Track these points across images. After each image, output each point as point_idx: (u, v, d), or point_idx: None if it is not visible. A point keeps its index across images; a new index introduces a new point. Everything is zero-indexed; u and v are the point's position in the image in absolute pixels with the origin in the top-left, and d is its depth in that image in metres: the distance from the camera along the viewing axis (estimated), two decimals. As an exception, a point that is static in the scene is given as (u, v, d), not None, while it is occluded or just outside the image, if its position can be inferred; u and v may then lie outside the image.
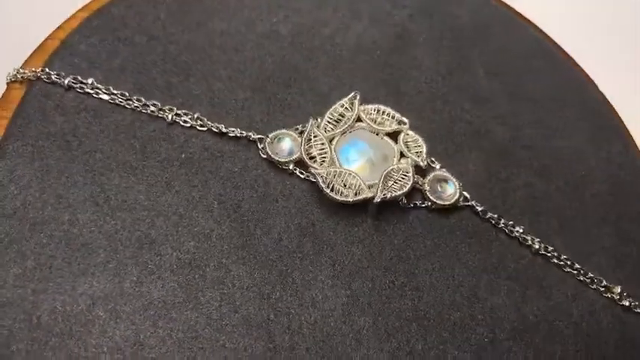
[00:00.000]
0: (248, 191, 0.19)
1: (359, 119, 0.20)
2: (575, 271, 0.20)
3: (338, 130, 0.20)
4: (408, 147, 0.20)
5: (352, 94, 0.20)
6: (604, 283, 0.20)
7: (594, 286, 0.20)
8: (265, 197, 0.19)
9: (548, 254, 0.20)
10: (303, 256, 0.18)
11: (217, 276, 0.17)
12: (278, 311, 0.17)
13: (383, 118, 0.20)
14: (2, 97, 0.19)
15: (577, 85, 0.24)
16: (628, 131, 0.23)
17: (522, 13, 0.26)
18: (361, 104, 0.20)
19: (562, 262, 0.20)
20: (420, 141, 0.20)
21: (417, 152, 0.20)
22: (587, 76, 0.24)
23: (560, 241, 0.20)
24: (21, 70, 0.19)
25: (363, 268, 0.18)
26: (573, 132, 0.22)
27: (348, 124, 0.20)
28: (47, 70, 0.19)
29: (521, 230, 0.20)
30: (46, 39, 0.21)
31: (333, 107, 0.20)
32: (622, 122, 0.23)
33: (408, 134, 0.20)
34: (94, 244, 0.17)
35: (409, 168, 0.19)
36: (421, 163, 0.20)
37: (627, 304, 0.20)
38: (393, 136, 0.20)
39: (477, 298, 0.19)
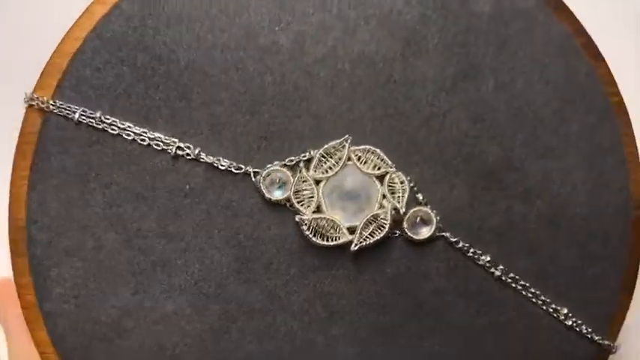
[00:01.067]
0: (245, 219, 0.22)
1: (348, 159, 0.21)
2: (531, 295, 0.23)
3: (326, 174, 0.21)
4: (392, 190, 0.21)
5: (344, 137, 0.21)
6: (552, 304, 0.23)
7: (545, 307, 0.23)
8: (259, 225, 0.22)
9: (509, 280, 0.23)
10: (289, 277, 0.22)
11: (219, 293, 0.22)
12: (263, 321, 0.22)
13: (371, 160, 0.21)
14: (25, 120, 0.22)
15: (593, 97, 0.22)
16: (631, 152, 0.23)
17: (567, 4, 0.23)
18: (352, 144, 0.21)
19: (520, 287, 0.23)
20: (405, 185, 0.21)
21: (398, 196, 0.21)
22: (611, 84, 0.23)
23: (524, 264, 0.23)
24: (34, 96, 0.21)
25: (341, 288, 0.22)
26: (568, 152, 0.23)
27: (337, 168, 0.21)
28: (58, 103, 0.21)
29: (487, 259, 0.22)
30: (52, 58, 0.21)
31: (325, 148, 0.21)
32: (627, 142, 0.23)
33: (394, 176, 0.21)
34: (117, 267, 0.22)
35: (388, 215, 0.21)
36: (400, 210, 0.21)
37: (570, 323, 0.23)
38: (381, 178, 0.22)
39: (436, 312, 0.22)
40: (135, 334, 0.22)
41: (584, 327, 0.23)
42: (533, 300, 0.23)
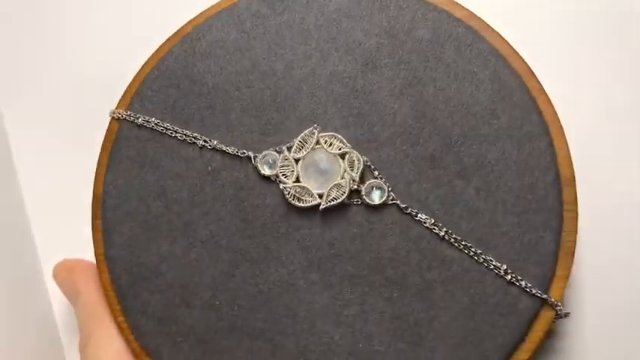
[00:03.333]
0: (248, 191, 0.30)
1: (318, 142, 0.29)
2: (473, 253, 0.28)
3: (302, 154, 0.29)
4: (351, 166, 0.29)
5: (313, 126, 0.29)
6: (493, 261, 0.28)
7: (485, 264, 0.28)
8: (258, 195, 0.30)
9: (452, 240, 0.29)
10: (279, 234, 0.30)
11: (228, 245, 0.30)
12: (259, 266, 0.30)
13: (335, 143, 0.29)
14: (109, 126, 0.32)
15: (516, 94, 0.29)
16: (560, 139, 0.29)
17: (489, 22, 0.30)
18: (320, 132, 0.29)
19: (462, 246, 0.28)
20: (360, 161, 0.29)
21: (356, 170, 0.29)
22: (532, 80, 0.29)
23: (466, 227, 0.29)
24: (115, 110, 0.32)
25: (317, 243, 0.29)
26: (499, 138, 0.29)
27: (309, 148, 0.29)
28: (129, 112, 0.32)
29: (432, 221, 0.29)
30: (129, 85, 0.32)
31: (301, 135, 0.30)
32: (556, 128, 0.29)
33: (351, 155, 0.29)
34: (159, 225, 0.31)
35: (347, 183, 0.29)
36: (356, 179, 0.29)
37: (509, 277, 0.28)
38: (342, 156, 0.29)
39: (392, 265, 0.29)
40: (168, 275, 0.30)
41: (523, 282, 0.28)
42: (475, 258, 0.28)
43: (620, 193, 0.34)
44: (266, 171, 0.30)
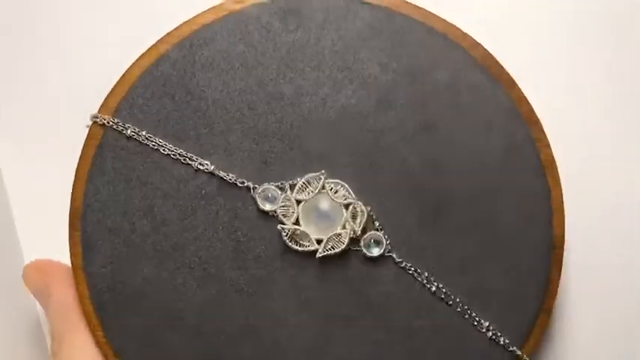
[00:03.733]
0: (243, 221, 0.29)
1: (323, 187, 0.28)
2: (460, 308, 0.29)
3: (304, 197, 0.28)
4: (354, 215, 0.28)
5: (321, 172, 0.28)
6: (477, 317, 0.29)
7: (470, 319, 0.29)
8: (253, 227, 0.29)
9: (442, 295, 0.29)
10: (272, 269, 0.29)
11: (218, 274, 0.29)
12: (250, 300, 0.29)
13: (340, 191, 0.28)
14: (89, 132, 0.29)
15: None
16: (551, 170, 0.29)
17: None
18: (328, 177, 0.28)
19: (451, 301, 0.29)
20: (364, 215, 0.28)
21: (358, 223, 0.28)
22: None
23: (457, 281, 0.29)
24: (98, 115, 0.29)
25: (310, 284, 0.29)
26: (501, 186, 0.29)
27: (314, 194, 0.28)
28: (116, 120, 0.29)
29: (425, 275, 0.29)
30: (115, 87, 0.29)
31: (306, 176, 0.28)
32: (547, 159, 0.29)
33: (356, 206, 0.28)
34: (144, 246, 0.29)
35: (346, 235, 0.28)
36: (356, 232, 0.28)
37: (490, 334, 0.29)
38: (346, 206, 0.28)
39: (382, 311, 0.29)
40: (152, 297, 0.29)
41: (502, 338, 0.29)
42: (461, 312, 0.29)
43: (614, 194, 0.35)
44: (265, 206, 0.28)
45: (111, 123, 0.29)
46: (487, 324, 0.29)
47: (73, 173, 0.29)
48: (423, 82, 0.28)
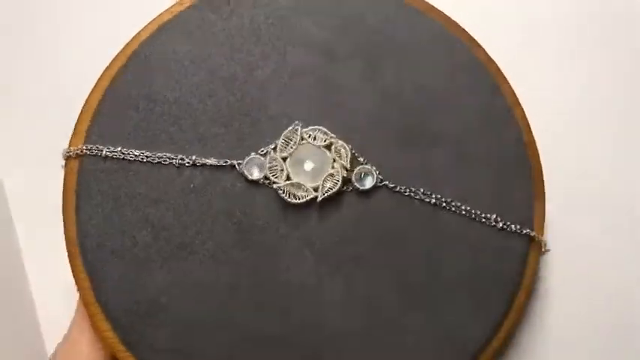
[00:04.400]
0: (237, 199, 0.29)
1: (302, 138, 0.30)
2: (464, 211, 0.30)
3: (288, 152, 0.29)
4: (338, 154, 0.30)
5: (295, 122, 0.29)
6: (482, 214, 0.30)
7: (477, 219, 0.30)
8: (249, 202, 0.29)
9: (443, 204, 0.30)
10: (279, 236, 0.29)
11: (229, 259, 0.29)
12: (266, 272, 0.29)
13: (319, 136, 0.30)
14: (66, 167, 0.30)
15: (471, 65, 0.31)
16: (516, 105, 0.31)
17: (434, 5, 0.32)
18: (303, 127, 0.30)
19: (453, 207, 0.30)
20: (347, 148, 0.29)
21: (344, 157, 0.29)
22: (482, 53, 0.32)
23: (451, 190, 0.30)
24: (70, 148, 0.29)
25: (318, 235, 0.29)
26: (464, 110, 0.31)
27: (295, 146, 0.29)
28: (89, 146, 0.29)
29: (421, 191, 0.30)
30: (79, 120, 0.30)
31: (284, 133, 0.29)
32: (509, 93, 0.31)
33: (337, 144, 0.30)
34: (150, 256, 0.29)
35: (339, 171, 0.29)
36: (347, 166, 0.29)
37: (500, 225, 0.30)
38: (328, 147, 0.30)
39: (394, 238, 0.30)
40: (171, 306, 0.29)
41: (512, 226, 0.30)
42: (466, 215, 0.30)
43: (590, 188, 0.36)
44: (254, 175, 0.29)
45: (85, 151, 0.29)
46: (494, 216, 0.30)
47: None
48: (358, 31, 0.31)
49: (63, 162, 0.30)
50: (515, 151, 0.31)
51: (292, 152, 0.29)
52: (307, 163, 0.29)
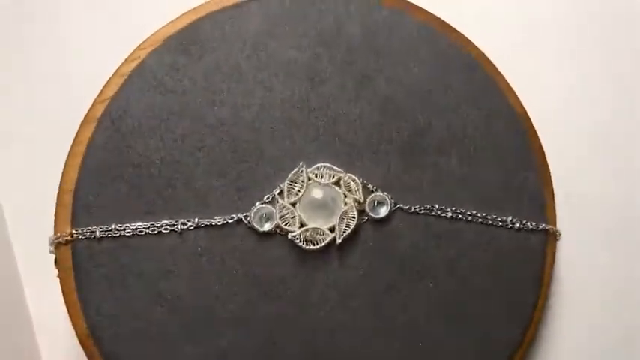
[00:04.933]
0: (251, 254, 0.28)
1: (309, 179, 0.28)
2: (480, 219, 0.30)
3: (297, 197, 0.28)
4: (348, 187, 0.28)
5: (300, 165, 0.27)
6: (498, 218, 0.30)
7: (493, 223, 0.30)
8: (263, 255, 0.28)
9: (459, 216, 0.29)
10: (301, 282, 0.28)
11: (255, 318, 0.28)
12: (296, 322, 0.28)
13: (325, 173, 0.28)
14: (58, 256, 0.27)
15: (460, 59, 0.30)
16: (510, 90, 0.30)
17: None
18: (307, 166, 0.28)
19: (468, 216, 0.29)
20: (356, 181, 0.28)
21: (355, 191, 0.28)
22: (471, 46, 0.30)
23: (462, 197, 0.30)
24: (57, 235, 0.27)
25: (342, 274, 0.28)
26: (459, 105, 0.30)
27: (304, 189, 0.28)
28: (78, 230, 0.27)
29: (437, 207, 0.29)
30: (58, 201, 0.27)
31: (288, 177, 0.27)
32: (501, 80, 0.30)
33: (345, 178, 0.28)
34: (170, 332, 0.27)
35: (353, 208, 0.28)
36: (360, 199, 0.28)
37: (518, 226, 0.30)
38: (337, 183, 0.28)
39: (418, 260, 0.29)
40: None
41: (529, 224, 0.30)
42: (483, 222, 0.29)
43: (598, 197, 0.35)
44: (265, 227, 0.27)
45: (75, 235, 0.26)
46: (510, 218, 0.29)
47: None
48: (338, 44, 0.29)
49: (51, 249, 0.27)
50: (517, 144, 0.30)
51: (301, 197, 0.27)
52: (318, 205, 0.27)
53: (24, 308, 0.33)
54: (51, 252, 0.27)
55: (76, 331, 0.27)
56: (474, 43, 0.30)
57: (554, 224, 0.30)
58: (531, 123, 0.30)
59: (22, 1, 0.34)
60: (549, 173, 0.31)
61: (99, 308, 0.27)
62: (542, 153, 0.30)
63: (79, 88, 0.29)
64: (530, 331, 0.30)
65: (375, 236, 0.28)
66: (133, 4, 0.34)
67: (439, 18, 0.30)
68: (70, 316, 0.27)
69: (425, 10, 0.30)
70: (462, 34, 0.30)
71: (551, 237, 0.30)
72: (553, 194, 0.31)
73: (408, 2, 0.30)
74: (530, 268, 0.30)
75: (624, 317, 0.35)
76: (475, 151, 0.29)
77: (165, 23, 0.28)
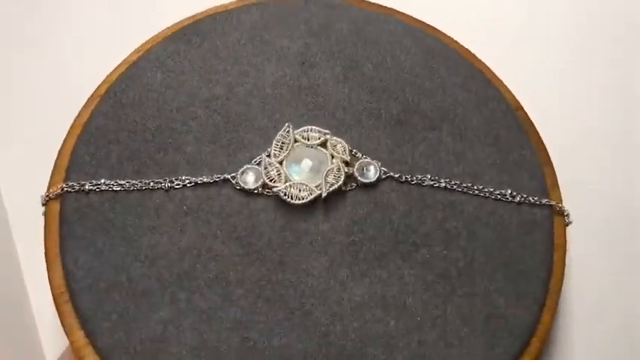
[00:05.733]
0: (236, 215, 0.27)
1: (295, 140, 0.28)
2: (477, 190, 0.29)
3: (283, 154, 0.28)
4: (335, 149, 0.28)
5: (286, 125, 0.28)
6: (496, 191, 0.29)
7: (492, 196, 0.28)
8: (249, 215, 0.27)
9: (455, 186, 0.29)
10: (289, 245, 0.27)
11: (238, 278, 0.26)
12: (283, 285, 0.26)
13: (312, 134, 0.28)
14: (46, 211, 0.27)
15: (445, 51, 0.31)
16: (496, 79, 0.31)
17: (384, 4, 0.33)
18: (294, 129, 0.28)
19: (464, 188, 0.28)
20: (342, 143, 0.28)
21: (342, 151, 0.28)
22: (455, 43, 0.32)
23: (457, 170, 0.29)
24: (50, 191, 0.27)
25: (331, 238, 0.27)
26: (447, 89, 0.30)
27: (289, 147, 0.28)
28: (69, 183, 0.27)
29: (429, 177, 0.28)
30: (58, 157, 0.28)
31: (276, 138, 0.28)
32: (487, 71, 0.31)
33: (332, 140, 0.28)
34: (149, 288, 0.26)
35: (340, 165, 0.27)
36: (346, 159, 0.28)
37: (518, 199, 0.29)
38: (323, 144, 0.28)
39: (412, 230, 0.27)
40: (182, 337, 0.25)
41: (530, 198, 0.29)
42: (480, 194, 0.29)
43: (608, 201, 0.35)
44: (251, 183, 0.27)
45: (65, 189, 0.27)
46: (509, 191, 0.29)
47: None
48: (328, 36, 0.31)
49: (43, 209, 0.27)
50: (508, 121, 0.30)
51: (287, 155, 0.28)
52: (305, 162, 0.28)
53: (26, 308, 0.32)
54: (43, 214, 0.27)
55: (51, 287, 0.26)
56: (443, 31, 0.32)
57: (560, 201, 0.29)
58: (521, 106, 0.31)
59: (22, 1, 0.37)
60: (547, 153, 0.30)
61: (77, 261, 0.26)
62: (537, 134, 0.30)
63: (80, 88, 0.31)
64: (545, 313, 0.27)
65: (365, 203, 0.28)
66: (133, 5, 0.37)
67: (424, 22, 0.32)
68: (48, 271, 0.26)
69: (411, 15, 0.33)
70: (446, 34, 0.32)
71: (558, 215, 0.29)
72: (555, 174, 0.30)
73: (395, 9, 0.33)
74: (538, 245, 0.28)
75: (624, 307, 0.31)
76: (466, 129, 0.30)
77: (169, 24, 0.32)
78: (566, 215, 0.29)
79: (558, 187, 0.29)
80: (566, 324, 0.32)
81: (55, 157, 0.28)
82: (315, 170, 0.28)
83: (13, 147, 0.34)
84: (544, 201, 0.28)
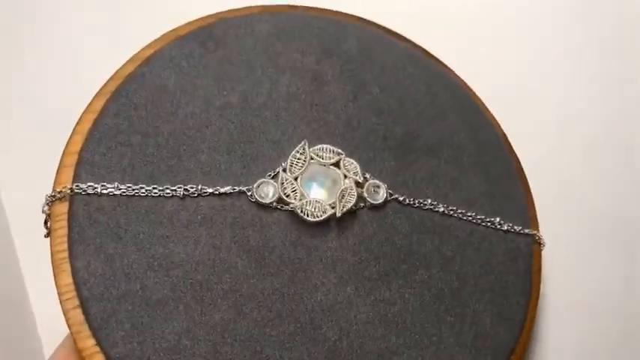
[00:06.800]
0: (250, 228, 0.27)
1: (311, 158, 0.29)
2: (470, 217, 0.31)
3: (299, 171, 0.28)
4: (347, 170, 0.29)
5: (303, 142, 0.29)
6: (487, 218, 0.31)
7: (483, 223, 0.31)
8: (262, 228, 0.28)
9: (451, 212, 0.30)
10: (300, 260, 0.28)
11: (250, 292, 0.26)
12: (294, 300, 0.27)
13: (326, 154, 0.29)
14: (52, 212, 0.26)
15: (444, 80, 0.33)
16: (488, 111, 0.33)
17: (390, 28, 0.34)
18: (309, 147, 0.29)
19: (459, 214, 0.30)
20: (355, 164, 0.29)
21: (354, 172, 0.29)
22: (452, 73, 0.34)
23: (453, 196, 0.31)
24: (57, 190, 0.26)
25: (340, 256, 0.28)
26: (446, 115, 0.32)
27: (305, 165, 0.28)
28: (80, 185, 0.26)
29: (429, 201, 0.30)
30: (64, 156, 0.27)
31: (292, 154, 0.28)
32: (481, 103, 0.33)
33: (345, 161, 0.29)
34: (163, 298, 0.26)
35: (352, 186, 0.29)
36: (359, 180, 0.29)
37: (506, 227, 0.31)
38: (336, 164, 0.29)
39: (413, 251, 0.29)
40: (196, 349, 0.25)
41: (515, 227, 0.31)
42: (473, 220, 0.31)
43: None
44: (267, 198, 0.28)
45: (75, 190, 0.26)
46: (498, 219, 0.31)
47: None
48: (338, 54, 0.32)
49: (44, 208, 0.26)
50: (497, 150, 0.32)
51: (303, 172, 0.28)
52: (319, 181, 0.28)
53: (26, 308, 0.31)
54: (44, 212, 0.26)
55: (58, 291, 0.25)
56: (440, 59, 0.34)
57: (538, 230, 0.32)
58: (507, 137, 0.33)
59: (22, 1, 0.35)
60: (527, 182, 0.33)
61: (88, 266, 0.25)
62: (520, 165, 0.33)
63: (80, 88, 0.30)
64: (524, 332, 0.30)
65: (372, 223, 0.29)
66: (133, 6, 0.36)
67: (424, 48, 0.34)
68: (55, 274, 0.25)
69: (410, 39, 0.34)
70: (443, 63, 0.34)
71: (536, 244, 0.31)
72: (534, 205, 0.33)
73: (388, 29, 0.34)
74: (520, 271, 0.31)
75: (607, 316, 0.35)
76: (462, 156, 0.32)
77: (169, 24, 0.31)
78: (542, 242, 0.32)
79: (536, 216, 0.32)
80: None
81: (61, 155, 0.27)
82: (329, 188, 0.28)
83: (13, 146, 0.33)
84: (527, 231, 0.31)
